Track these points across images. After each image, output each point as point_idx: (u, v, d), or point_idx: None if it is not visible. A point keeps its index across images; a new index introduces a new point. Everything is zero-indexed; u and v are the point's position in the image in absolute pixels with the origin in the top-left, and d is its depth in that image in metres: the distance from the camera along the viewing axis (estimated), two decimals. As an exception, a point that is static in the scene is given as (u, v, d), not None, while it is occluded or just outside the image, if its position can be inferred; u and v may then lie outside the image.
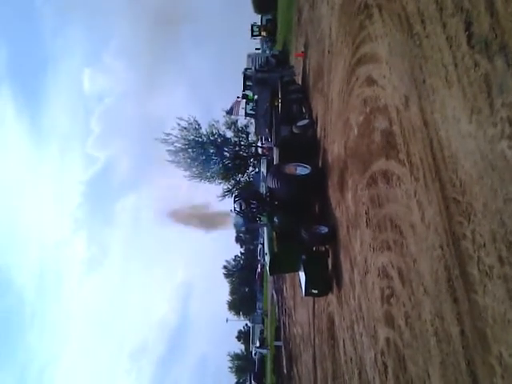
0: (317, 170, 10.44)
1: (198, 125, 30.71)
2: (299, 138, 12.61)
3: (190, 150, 29.91)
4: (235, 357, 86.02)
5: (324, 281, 8.97)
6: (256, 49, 40.07)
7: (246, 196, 11.84)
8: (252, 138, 32.73)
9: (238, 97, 24.21)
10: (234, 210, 11.44)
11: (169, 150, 29.62)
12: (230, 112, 26.50)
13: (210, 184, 31.95)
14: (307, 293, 9.25)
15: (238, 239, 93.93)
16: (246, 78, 21.80)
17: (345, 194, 7.66)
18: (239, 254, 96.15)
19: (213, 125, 31.18)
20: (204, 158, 30.35)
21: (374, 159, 5.82)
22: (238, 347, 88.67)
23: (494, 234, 2.92)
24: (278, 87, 16.75)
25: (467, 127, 3.28)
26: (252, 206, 11.33)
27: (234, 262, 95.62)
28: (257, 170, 32.71)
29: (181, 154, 29.85)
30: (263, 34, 46.88)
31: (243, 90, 22.54)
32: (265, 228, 11.96)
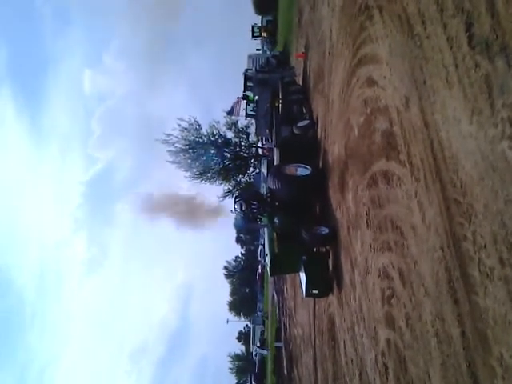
0: (317, 170, 10.44)
1: (199, 125, 30.77)
2: (300, 139, 12.61)
3: (190, 150, 29.95)
4: (235, 358, 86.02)
5: (324, 282, 8.96)
6: (257, 49, 40.00)
7: (246, 197, 11.84)
8: (252, 138, 32.75)
9: (239, 97, 24.23)
10: (235, 210, 11.44)
11: (169, 151, 29.69)
12: (230, 113, 26.52)
13: (210, 184, 32.00)
14: (308, 294, 9.24)
15: (238, 240, 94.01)
16: (246, 78, 21.81)
17: (345, 194, 7.65)
18: (240, 255, 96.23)
19: (213, 125, 31.23)
20: (204, 158, 30.38)
21: (374, 160, 5.81)
22: (239, 348, 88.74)
23: (494, 235, 2.92)
24: (278, 88, 16.75)
25: (468, 128, 3.28)
26: (252, 206, 11.32)
27: (234, 263, 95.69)
28: (257, 170, 32.72)
29: (181, 154, 29.90)
30: (264, 34, 46.88)
31: (244, 91, 22.55)
32: (265, 229, 11.96)
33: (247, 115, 23.73)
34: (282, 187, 10.29)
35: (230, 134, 32.08)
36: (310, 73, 15.36)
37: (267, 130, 19.88)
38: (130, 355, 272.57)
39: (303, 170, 10.26)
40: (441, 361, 3.67)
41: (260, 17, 52.26)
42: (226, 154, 31.49)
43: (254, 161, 32.93)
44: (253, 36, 47.60)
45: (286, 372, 22.43)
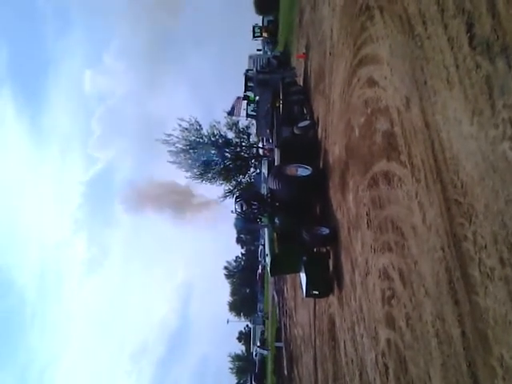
0: (318, 171, 10.44)
1: (199, 126, 30.80)
2: (300, 139, 12.62)
3: (191, 150, 29.97)
4: (236, 358, 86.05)
5: (325, 282, 8.96)
6: (257, 50, 39.99)
7: (247, 197, 11.84)
8: (253, 139, 32.77)
9: (239, 97, 24.24)
10: (235, 211, 11.44)
11: (170, 151, 29.71)
12: (231, 112, 26.55)
13: (211, 185, 32.03)
14: (308, 294, 9.24)
15: (238, 240, 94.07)
16: (247, 79, 21.83)
17: (346, 195, 7.65)
18: (240, 255, 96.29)
19: (214, 126, 31.26)
20: (205, 158, 30.40)
21: (375, 160, 5.82)
22: (239, 348, 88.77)
23: (495, 235, 2.92)
24: (279, 88, 16.76)
25: (468, 129, 3.28)
26: (253, 206, 11.32)
27: (234, 263, 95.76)
28: (258, 171, 32.73)
29: (182, 154, 29.92)
30: (265, 35, 46.89)
31: (244, 91, 22.57)
32: (266, 229, 11.96)
33: (248, 115, 23.76)
34: (282, 187, 10.29)
35: (230, 135, 32.13)
36: (310, 73, 15.36)
37: (268, 131, 19.90)
38: (130, 355, 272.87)
39: (304, 171, 10.26)
40: (441, 361, 3.68)
41: (261, 17, 52.30)
42: (227, 154, 31.51)
43: (255, 161, 32.95)
44: (254, 36, 47.62)
45: (286, 372, 22.43)
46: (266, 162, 14.39)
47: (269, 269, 11.28)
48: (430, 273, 3.94)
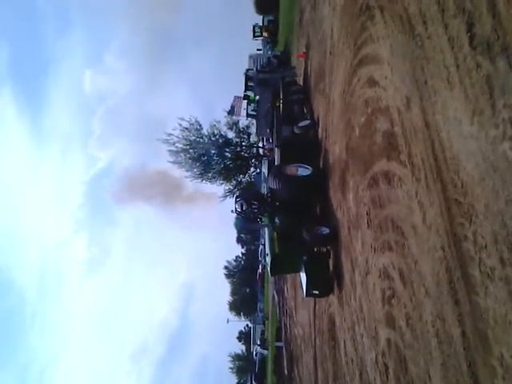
0: (318, 170, 10.44)
1: (200, 125, 30.76)
2: (300, 139, 12.62)
3: (191, 150, 29.96)
4: (236, 357, 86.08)
5: (325, 282, 8.96)
6: (257, 49, 39.98)
7: (247, 197, 11.84)
8: (253, 138, 32.75)
9: (239, 96, 24.23)
10: (235, 210, 11.44)
11: (170, 151, 29.70)
12: (231, 112, 26.54)
13: (211, 184, 32.02)
14: (308, 293, 9.24)
15: (239, 240, 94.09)
16: (247, 78, 21.80)
17: (346, 194, 7.65)
18: (240, 255, 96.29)
19: (214, 125, 31.22)
20: (205, 158, 30.39)
21: (375, 160, 5.82)
22: (239, 348, 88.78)
23: (495, 235, 2.92)
24: (279, 88, 16.76)
25: (469, 128, 3.28)
26: (253, 206, 11.33)
27: (235, 263, 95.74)
28: (258, 170, 32.73)
29: (182, 154, 29.91)
30: (265, 34, 46.87)
31: (245, 91, 22.55)
32: (266, 229, 11.97)
33: (248, 115, 23.75)
34: (282, 187, 10.29)
35: (230, 134, 32.09)
36: (310, 73, 15.36)
37: (268, 130, 19.91)
38: (130, 355, 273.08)
39: (304, 170, 10.26)
40: (441, 361, 3.68)
41: (261, 17, 52.28)
42: (227, 153, 31.48)
43: (255, 161, 32.93)
44: (254, 36, 47.59)
45: (286, 372, 22.44)
46: (266, 162, 14.39)
47: (269, 268, 11.28)
48: (430, 272, 3.94)
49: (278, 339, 29.91)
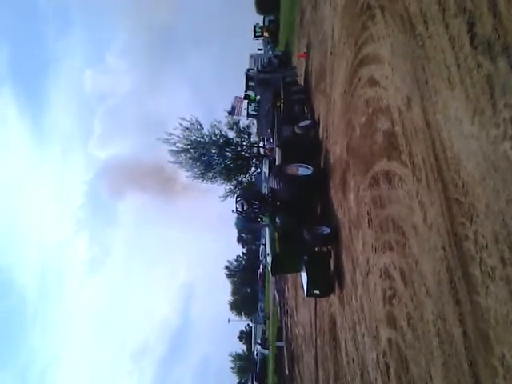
0: (319, 170, 10.44)
1: (200, 125, 30.79)
2: (301, 139, 12.62)
3: (192, 150, 29.98)
4: (237, 357, 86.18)
5: (326, 281, 8.96)
6: (258, 49, 40.01)
7: (247, 196, 11.84)
8: (254, 138, 32.78)
9: (240, 97, 24.24)
10: (236, 210, 11.45)
11: (171, 150, 29.72)
12: (231, 112, 26.56)
13: (212, 184, 32.04)
14: (309, 293, 9.24)
15: (239, 239, 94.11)
16: (248, 78, 21.82)
17: (347, 194, 7.65)
18: (241, 255, 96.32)
19: (215, 125, 31.25)
20: (206, 158, 30.42)
21: (376, 160, 5.82)
22: (240, 347, 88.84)
23: (496, 235, 2.92)
24: (280, 88, 16.77)
25: (470, 128, 3.28)
26: (254, 206, 11.33)
27: (235, 263, 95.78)
28: (259, 170, 32.74)
29: (183, 154, 29.93)
30: (266, 34, 46.91)
31: (245, 91, 22.57)
32: (267, 228, 11.97)
33: (249, 115, 23.78)
34: (283, 187, 10.29)
35: (231, 134, 32.13)
36: (311, 72, 15.36)
37: (269, 130, 19.92)
38: (131, 355, 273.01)
39: (305, 170, 10.26)
40: (442, 360, 3.68)
41: (262, 17, 52.31)
42: (228, 153, 31.51)
43: (256, 161, 32.95)
44: (255, 36, 47.63)
45: (287, 371, 22.44)
46: (267, 162, 14.38)
47: (270, 268, 11.29)
48: (431, 272, 3.94)
49: (279, 339, 29.92)
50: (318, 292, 9.26)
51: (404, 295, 4.65)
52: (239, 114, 25.76)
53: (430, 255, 3.97)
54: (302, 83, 17.49)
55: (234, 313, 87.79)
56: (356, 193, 6.95)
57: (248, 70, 23.46)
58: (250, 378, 59.47)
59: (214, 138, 30.93)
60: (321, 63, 12.49)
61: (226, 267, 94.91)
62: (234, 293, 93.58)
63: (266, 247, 12.99)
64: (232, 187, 32.92)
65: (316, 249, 10.06)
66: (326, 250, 9.65)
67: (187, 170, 30.49)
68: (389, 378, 5.18)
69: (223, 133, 31.56)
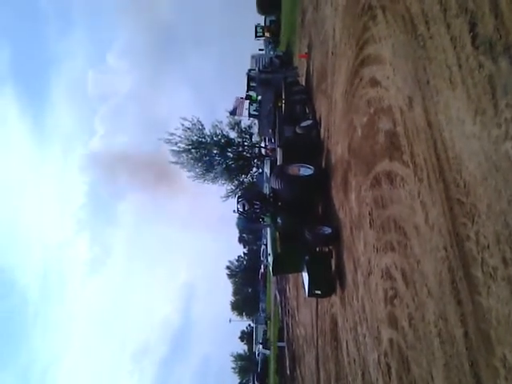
0: (320, 170, 10.44)
1: (202, 125, 30.77)
2: (303, 139, 12.61)
3: (193, 150, 29.98)
4: (238, 357, 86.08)
5: (327, 282, 8.96)
6: (260, 50, 40.04)
7: (249, 197, 11.86)
8: (255, 138, 32.76)
9: (242, 97, 24.25)
10: (238, 210, 11.45)
11: (172, 151, 29.74)
12: (233, 112, 26.58)
13: (213, 184, 32.03)
14: (310, 293, 9.23)
15: (241, 240, 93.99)
16: (249, 78, 21.82)
17: (348, 194, 7.65)
18: (242, 255, 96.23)
19: (216, 125, 31.23)
20: (207, 158, 30.42)
21: (377, 160, 5.81)
22: (241, 348, 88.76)
23: (498, 235, 2.92)
24: (281, 88, 16.78)
25: (471, 128, 3.28)
26: (255, 206, 11.33)
27: (237, 263, 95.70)
28: (260, 170, 32.71)
29: (184, 154, 29.94)
30: (267, 35, 46.92)
31: (247, 91, 22.57)
32: (268, 229, 11.97)
33: (250, 115, 23.78)
34: (284, 187, 10.29)
35: (232, 134, 32.10)
36: (312, 73, 15.36)
37: (270, 130, 19.93)
38: (132, 355, 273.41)
39: (306, 170, 10.26)
40: (444, 361, 3.67)
41: (263, 17, 52.28)
42: (229, 154, 31.50)
43: (257, 161, 32.92)
44: (256, 36, 47.65)
45: (288, 372, 22.44)
46: (269, 162, 14.37)
47: (271, 268, 11.30)
48: (432, 272, 3.93)
49: (281, 339, 29.92)
50: (319, 292, 9.26)
51: (405, 296, 4.64)
52: (241, 115, 25.79)
53: (431, 255, 3.96)
54: (304, 83, 17.48)
55: (235, 313, 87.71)
56: (357, 193, 6.95)
57: (249, 70, 23.48)
58: (251, 379, 59.40)
59: (215, 139, 30.92)
60: (322, 63, 12.49)
61: (228, 267, 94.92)
62: (235, 293, 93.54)
63: (267, 247, 13.00)
64: (233, 187, 32.92)
65: (317, 249, 10.06)
66: (327, 250, 9.64)
67: (189, 171, 30.51)
68: (390, 378, 5.17)
69: (225, 133, 31.56)
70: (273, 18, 48.49)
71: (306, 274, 9.20)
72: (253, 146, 32.99)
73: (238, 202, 11.50)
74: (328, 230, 8.94)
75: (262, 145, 33.10)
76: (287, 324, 24.61)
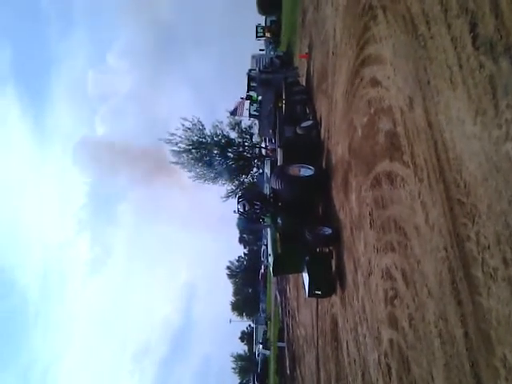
0: (320, 171, 10.44)
1: (202, 125, 30.83)
2: (303, 139, 12.61)
3: (193, 150, 30.01)
4: (238, 357, 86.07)
5: (327, 282, 8.96)
6: (260, 50, 40.04)
7: (249, 197, 11.85)
8: (256, 138, 32.78)
9: (242, 97, 24.26)
10: (238, 210, 11.45)
11: (173, 151, 29.77)
12: (233, 113, 26.60)
13: (213, 185, 32.06)
14: (311, 294, 9.24)
15: (241, 240, 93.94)
16: (250, 78, 21.81)
17: (349, 195, 7.65)
18: (243, 255, 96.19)
19: (217, 125, 31.28)
20: (208, 158, 30.44)
21: (378, 160, 5.81)
22: (241, 348, 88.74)
23: (498, 235, 2.92)
24: (282, 88, 16.77)
25: (472, 129, 3.28)
26: (256, 207, 11.33)
27: (237, 263, 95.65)
28: (260, 170, 32.73)
29: (185, 154, 29.96)
30: (267, 35, 46.94)
31: (247, 91, 22.56)
32: (268, 229, 11.97)
33: (250, 115, 23.76)
34: (285, 187, 10.29)
35: (233, 135, 32.16)
36: (313, 73, 15.36)
37: (270, 131, 19.92)
38: (132, 355, 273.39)
39: (306, 171, 10.26)
40: (444, 361, 3.67)
41: (264, 17, 52.29)
42: (230, 154, 31.52)
43: (258, 161, 32.94)
44: (256, 36, 47.68)
45: (288, 372, 22.43)
46: (269, 162, 14.36)
47: (271, 269, 11.29)
48: (432, 273, 3.93)
49: (281, 339, 29.90)
50: (319, 292, 9.26)
51: (406, 296, 4.64)
52: (241, 115, 25.81)
53: (431, 256, 3.96)
54: (304, 83, 17.48)
55: (236, 313, 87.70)
56: (358, 193, 6.95)
57: (250, 70, 23.49)
58: (252, 379, 59.37)
59: (215, 139, 30.96)
60: (322, 63, 12.49)
61: (228, 268, 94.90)
62: (235, 293, 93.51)
63: (267, 248, 12.99)
64: (234, 188, 32.95)
65: (318, 249, 10.06)
66: (327, 250, 9.64)
67: (189, 171, 30.54)
68: (390, 378, 5.17)
69: (225, 133, 31.60)
70: (273, 18, 48.50)
71: (307, 274, 9.20)
72: (253, 146, 33.01)
73: (238, 203, 11.49)
74: (328, 231, 8.94)
75: (263, 145, 33.11)
76: (287, 324, 24.60)
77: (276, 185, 10.44)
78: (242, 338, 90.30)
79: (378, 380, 5.68)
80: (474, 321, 3.20)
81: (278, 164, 12.58)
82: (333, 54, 10.53)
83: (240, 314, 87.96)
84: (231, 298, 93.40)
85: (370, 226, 6.10)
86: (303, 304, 15.40)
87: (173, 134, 29.60)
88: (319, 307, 11.14)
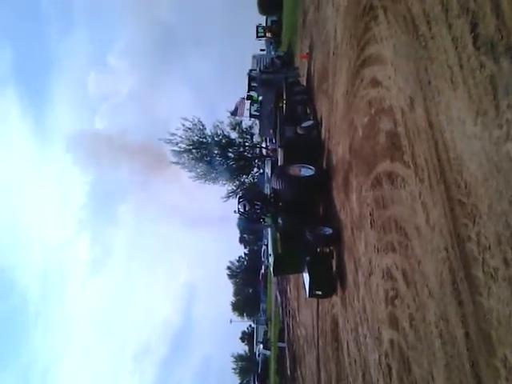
0: (321, 171, 10.44)
1: (203, 125, 30.86)
2: (304, 139, 12.61)
3: (194, 150, 30.03)
4: (239, 358, 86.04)
5: (328, 282, 8.96)
6: (261, 50, 40.07)
7: (250, 197, 11.86)
8: (256, 138, 32.80)
9: (243, 97, 24.27)
10: (238, 210, 11.45)
11: (173, 151, 29.78)
12: (234, 113, 26.60)
13: (214, 185, 32.08)
14: (311, 294, 9.23)
15: (241, 240, 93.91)
16: (250, 78, 21.81)
17: (349, 195, 7.65)
18: (243, 255, 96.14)
19: (217, 125, 31.33)
20: (208, 158, 30.46)
21: (378, 161, 5.81)
22: (242, 348, 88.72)
23: (499, 236, 2.92)
24: (282, 88, 16.77)
25: (472, 129, 3.28)
26: (256, 207, 11.33)
27: (237, 263, 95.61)
28: (261, 171, 32.73)
29: (185, 154, 29.98)
30: (268, 35, 46.91)
31: (248, 91, 22.56)
32: (269, 229, 11.97)
33: (251, 115, 23.76)
34: (285, 187, 10.29)
35: (233, 135, 32.20)
36: (314, 73, 15.36)
37: (271, 131, 19.92)
38: (133, 355, 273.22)
39: (307, 171, 10.26)
40: (444, 361, 3.67)
41: (264, 17, 52.28)
42: (230, 154, 31.55)
43: (258, 161, 32.96)
44: (257, 36, 47.66)
45: (289, 372, 22.43)
46: (270, 162, 14.37)
47: (272, 269, 11.29)
48: (433, 273, 3.93)
49: (281, 340, 29.90)
50: (320, 293, 9.26)
51: (406, 296, 4.64)
52: (242, 115, 25.80)
53: (432, 256, 3.96)
54: (305, 84, 17.48)
55: (236, 313, 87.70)
56: (358, 193, 6.95)
57: (250, 70, 23.48)
58: (252, 379, 59.34)
59: (216, 139, 30.99)
60: (323, 64, 12.49)
61: (228, 268, 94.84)
62: (235, 293, 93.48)
63: (268, 248, 13.00)
64: (234, 188, 32.97)
65: (318, 249, 10.05)
66: (328, 250, 9.64)
67: (190, 171, 30.55)
68: (391, 379, 5.17)
69: (226, 133, 31.63)
70: (274, 18, 48.48)
71: (307, 274, 9.19)
72: (254, 146, 33.04)
73: (238, 203, 11.50)
74: (329, 231, 8.94)
75: (263, 145, 33.11)
76: (288, 324, 24.59)
77: (276, 185, 10.44)
78: (242, 339, 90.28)
79: (378, 380, 5.68)
80: (475, 321, 3.20)
81: (279, 164, 12.58)
82: (333, 54, 10.53)
83: (240, 315, 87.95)
84: (232, 299, 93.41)
85: (371, 226, 6.10)
86: (304, 304, 15.40)
87: (173, 134, 29.65)
88: (320, 307, 11.14)
